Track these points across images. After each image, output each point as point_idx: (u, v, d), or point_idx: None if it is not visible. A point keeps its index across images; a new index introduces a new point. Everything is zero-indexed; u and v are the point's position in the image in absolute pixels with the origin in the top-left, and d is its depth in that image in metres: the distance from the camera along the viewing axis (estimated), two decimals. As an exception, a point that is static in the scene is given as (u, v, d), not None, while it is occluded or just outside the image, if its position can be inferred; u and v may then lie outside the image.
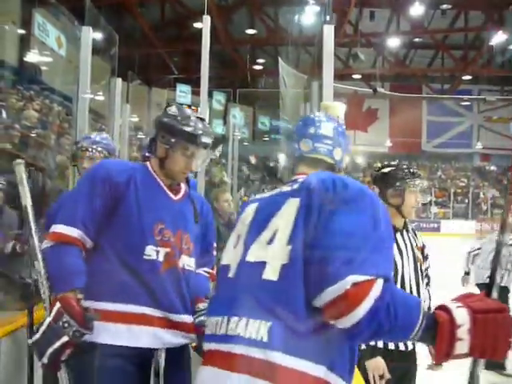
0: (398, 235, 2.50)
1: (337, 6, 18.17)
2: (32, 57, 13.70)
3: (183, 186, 2.05)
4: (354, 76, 25.87)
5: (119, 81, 3.72)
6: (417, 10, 19.14)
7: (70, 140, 6.12)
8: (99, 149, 2.87)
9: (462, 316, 1.19)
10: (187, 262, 1.95)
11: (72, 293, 1.73)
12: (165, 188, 1.97)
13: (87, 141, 2.93)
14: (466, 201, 26.79)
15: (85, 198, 1.84)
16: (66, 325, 1.67)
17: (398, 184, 2.48)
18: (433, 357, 1.23)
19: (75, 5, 4.13)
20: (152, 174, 1.96)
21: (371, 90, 20.68)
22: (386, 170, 2.58)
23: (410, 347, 2.42)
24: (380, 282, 1.16)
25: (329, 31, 2.61)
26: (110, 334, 1.77)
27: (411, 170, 2.53)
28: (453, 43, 24.09)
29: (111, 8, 17.50)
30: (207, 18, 2.64)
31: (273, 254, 1.30)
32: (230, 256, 1.44)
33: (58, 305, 1.70)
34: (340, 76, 24.69)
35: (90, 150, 2.86)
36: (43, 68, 14.70)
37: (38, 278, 1.80)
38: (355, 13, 20.03)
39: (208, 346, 1.38)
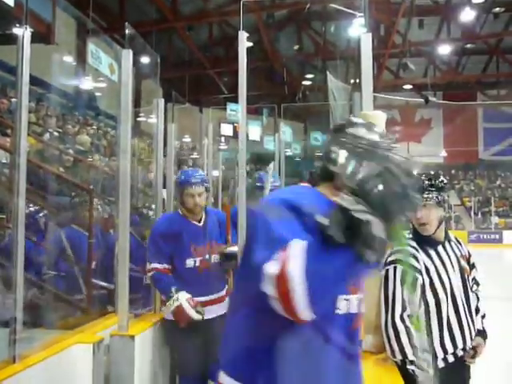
0: (440, 248, 2.41)
1: (385, 17, 17.99)
2: (86, 84, 14.20)
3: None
4: (405, 86, 25.46)
5: (161, 102, 3.75)
6: (467, 16, 18.65)
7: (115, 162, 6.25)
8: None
9: None
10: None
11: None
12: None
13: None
14: (529, 209, 25.74)
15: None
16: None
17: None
18: None
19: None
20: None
21: (423, 100, 20.28)
22: None
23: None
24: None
25: (366, 40, 2.52)
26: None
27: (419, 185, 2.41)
28: (508, 47, 23.36)
29: (161, 33, 17.97)
30: (243, 34, 2.59)
31: None
32: None
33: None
34: (391, 87, 24.35)
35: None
36: (97, 94, 15.22)
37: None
38: (403, 22, 19.73)
39: None
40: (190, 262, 3.14)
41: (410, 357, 2.16)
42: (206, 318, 3.06)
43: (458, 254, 2.45)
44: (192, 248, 3.15)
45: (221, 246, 3.24)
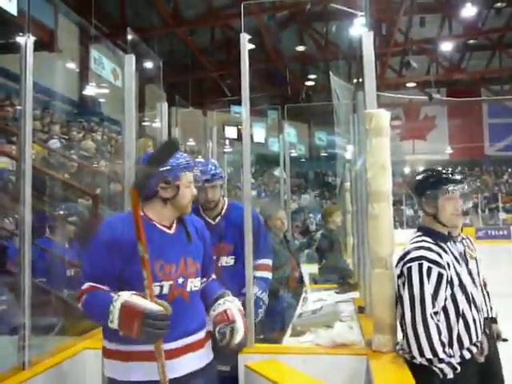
0: (449, 242, 2.38)
1: (386, 16, 17.96)
2: (90, 90, 14.28)
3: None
4: (409, 84, 25.40)
5: (165, 106, 3.76)
6: (469, 12, 18.58)
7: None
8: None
9: None
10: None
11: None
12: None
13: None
14: (537, 205, 25.56)
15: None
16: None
17: (428, 192, 2.36)
18: None
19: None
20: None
21: (427, 98, 20.25)
22: (419, 176, 2.46)
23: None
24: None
25: (368, 39, 2.52)
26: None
27: (446, 176, 2.38)
28: (510, 41, 23.25)
29: (163, 38, 18.02)
30: (244, 36, 2.60)
31: None
32: None
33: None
34: (394, 86, 24.30)
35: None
36: (101, 100, 15.28)
37: None
38: (405, 20, 19.69)
39: None
40: (154, 289, 1.90)
41: (441, 355, 2.13)
42: (174, 376, 1.94)
43: (460, 247, 2.44)
44: (157, 266, 2.01)
45: (197, 264, 2.16)
